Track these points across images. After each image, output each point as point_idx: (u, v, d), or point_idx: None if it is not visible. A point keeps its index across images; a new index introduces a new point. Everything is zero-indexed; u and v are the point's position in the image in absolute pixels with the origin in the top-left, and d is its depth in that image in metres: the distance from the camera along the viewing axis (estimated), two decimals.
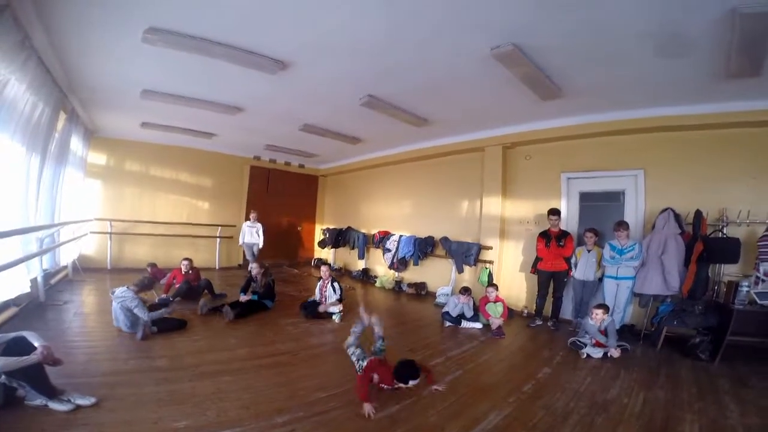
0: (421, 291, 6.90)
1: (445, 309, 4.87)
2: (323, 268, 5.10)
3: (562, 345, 4.07)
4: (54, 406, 2.15)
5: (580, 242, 4.93)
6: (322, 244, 9.73)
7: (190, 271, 5.45)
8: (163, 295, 4.96)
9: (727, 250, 3.87)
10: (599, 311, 3.84)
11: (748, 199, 3.97)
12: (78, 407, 2.19)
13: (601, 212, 5.11)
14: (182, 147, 8.03)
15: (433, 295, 6.55)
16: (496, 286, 4.96)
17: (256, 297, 4.83)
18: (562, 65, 3.57)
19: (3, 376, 2.07)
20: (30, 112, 3.62)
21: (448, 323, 4.71)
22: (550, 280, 4.97)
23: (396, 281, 7.37)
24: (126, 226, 7.51)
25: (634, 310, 4.64)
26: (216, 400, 2.46)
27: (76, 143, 5.71)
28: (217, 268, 8.41)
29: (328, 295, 4.81)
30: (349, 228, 9.06)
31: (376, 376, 2.60)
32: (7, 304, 3.65)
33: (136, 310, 3.54)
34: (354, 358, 2.99)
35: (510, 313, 4.95)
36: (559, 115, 4.96)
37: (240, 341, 3.70)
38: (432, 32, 3.09)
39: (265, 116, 5.88)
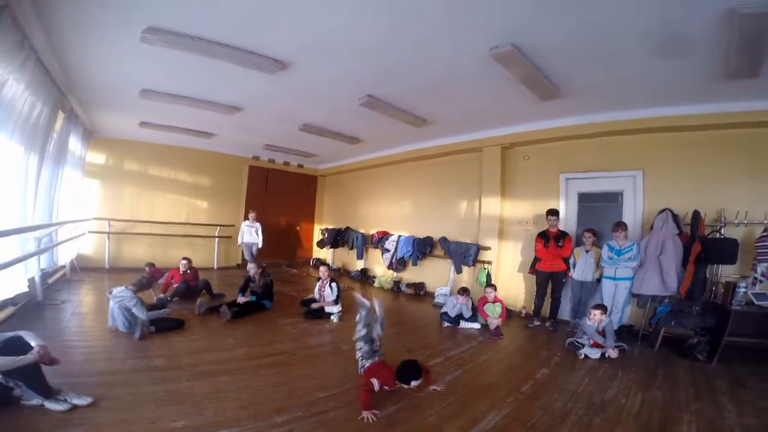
0: (419, 291, 6.90)
1: (444, 309, 4.88)
2: (322, 269, 5.09)
3: (560, 345, 4.07)
4: (50, 405, 2.14)
5: (579, 243, 4.94)
6: (321, 244, 9.73)
7: (189, 271, 5.44)
8: (161, 295, 4.95)
9: (724, 250, 3.88)
10: (597, 312, 3.84)
11: (746, 200, 3.98)
12: (75, 407, 2.18)
13: (600, 213, 5.12)
14: (181, 147, 8.03)
15: (431, 295, 6.55)
16: (494, 287, 4.97)
17: (254, 298, 4.83)
18: (562, 65, 3.58)
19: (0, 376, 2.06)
20: (28, 112, 3.62)
21: (446, 323, 4.71)
22: (548, 280, 4.98)
23: (395, 281, 7.38)
24: (124, 225, 7.50)
25: (632, 310, 4.65)
26: (214, 399, 2.45)
27: (74, 143, 5.70)
28: (215, 267, 8.41)
29: (326, 295, 4.81)
30: (347, 228, 9.05)
31: (377, 382, 2.58)
32: (4, 304, 3.64)
33: (134, 310, 3.53)
34: (359, 354, 2.95)
35: (508, 314, 4.95)
36: (557, 115, 4.96)
37: (238, 341, 3.69)
38: (432, 32, 3.09)
39: (264, 116, 5.88)
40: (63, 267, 5.99)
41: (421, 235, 7.10)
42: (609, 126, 4.79)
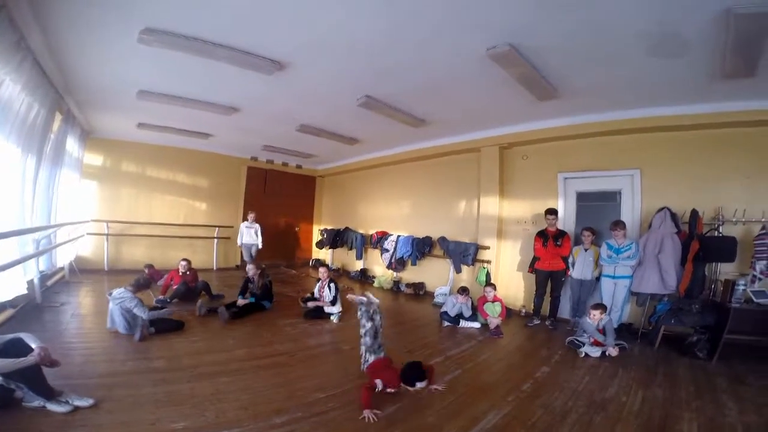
0: (419, 291, 6.90)
1: (444, 309, 4.89)
2: (321, 270, 5.10)
3: (560, 344, 4.08)
4: (52, 407, 2.14)
5: (578, 241, 4.96)
6: (320, 244, 9.72)
7: (188, 272, 5.43)
8: (161, 297, 4.94)
9: (723, 248, 3.90)
10: (596, 312, 3.85)
11: (744, 198, 4.00)
12: (76, 408, 2.18)
13: (598, 212, 5.13)
14: (179, 147, 8.01)
15: (431, 294, 6.56)
16: (494, 286, 4.98)
17: (253, 299, 4.82)
18: (559, 65, 3.58)
19: (0, 378, 2.06)
20: (25, 113, 3.60)
21: (446, 323, 4.71)
22: (547, 279, 4.99)
23: (394, 281, 7.38)
24: (123, 227, 7.48)
25: (631, 308, 4.66)
26: (214, 401, 2.45)
27: (72, 144, 5.68)
28: (214, 269, 8.39)
29: (325, 295, 4.82)
30: (347, 228, 9.04)
31: (380, 383, 2.57)
32: (3, 306, 3.63)
33: (135, 310, 3.53)
34: (363, 349, 2.93)
35: (508, 313, 4.96)
36: (555, 115, 4.98)
37: (238, 342, 3.69)
38: (431, 32, 3.09)
39: (261, 117, 5.87)
40: (62, 269, 5.97)
41: (420, 234, 7.10)
42: (606, 126, 4.81)
